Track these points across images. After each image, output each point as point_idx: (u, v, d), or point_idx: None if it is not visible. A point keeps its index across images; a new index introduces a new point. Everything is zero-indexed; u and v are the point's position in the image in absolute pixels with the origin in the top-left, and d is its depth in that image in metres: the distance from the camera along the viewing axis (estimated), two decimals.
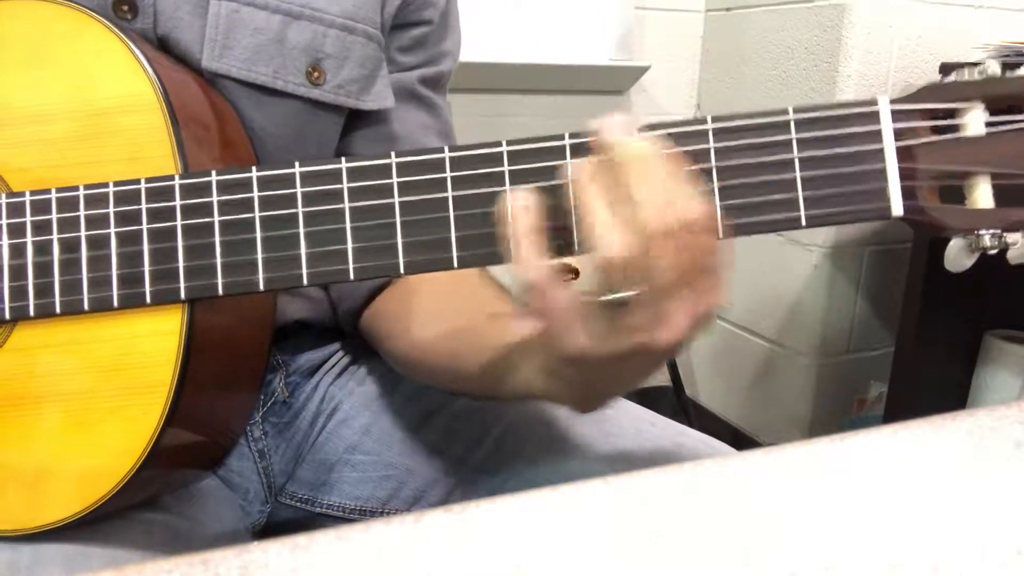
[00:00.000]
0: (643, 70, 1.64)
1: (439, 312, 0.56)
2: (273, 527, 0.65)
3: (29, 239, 0.45)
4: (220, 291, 0.43)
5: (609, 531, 0.28)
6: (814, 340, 1.58)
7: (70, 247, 0.45)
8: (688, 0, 1.73)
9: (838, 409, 1.63)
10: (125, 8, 0.53)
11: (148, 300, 0.44)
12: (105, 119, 0.46)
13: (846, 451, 0.34)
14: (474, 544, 0.27)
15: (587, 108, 1.68)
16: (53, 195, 0.45)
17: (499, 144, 0.41)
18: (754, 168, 0.40)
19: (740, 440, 1.73)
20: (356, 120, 0.63)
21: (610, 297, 0.37)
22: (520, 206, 0.39)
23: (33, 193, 0.45)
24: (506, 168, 0.41)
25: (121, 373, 0.45)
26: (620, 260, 0.37)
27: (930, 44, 1.46)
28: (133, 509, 0.52)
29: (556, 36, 1.55)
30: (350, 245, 0.42)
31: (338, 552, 0.26)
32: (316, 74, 0.58)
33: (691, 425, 0.63)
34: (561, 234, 0.40)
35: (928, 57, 1.47)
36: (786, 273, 1.60)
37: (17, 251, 0.46)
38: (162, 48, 0.54)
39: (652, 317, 0.37)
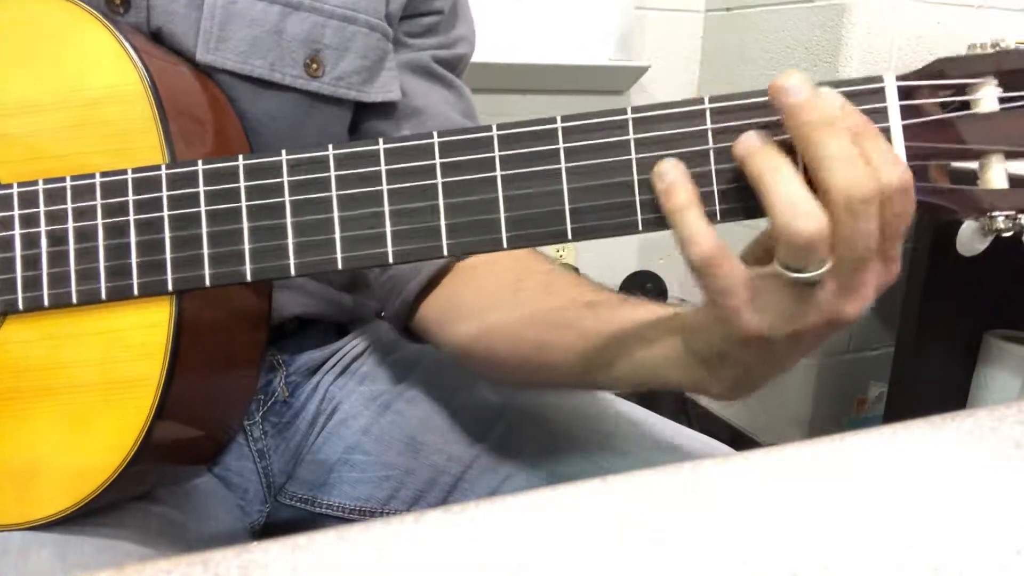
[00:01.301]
0: (643, 70, 1.64)
1: (515, 299, 0.53)
2: (273, 527, 0.65)
3: (17, 232, 0.45)
4: (207, 282, 0.43)
5: (609, 531, 0.28)
6: None
7: (58, 239, 0.45)
8: (688, 0, 1.73)
9: (838, 409, 1.63)
10: (118, 2, 0.52)
11: (136, 292, 0.44)
12: (93, 110, 0.46)
13: (846, 451, 0.34)
14: (474, 544, 0.27)
15: (587, 108, 1.68)
16: (40, 187, 0.45)
17: (488, 128, 0.40)
18: None
19: (740, 440, 1.73)
20: (374, 105, 0.62)
21: (802, 276, 0.35)
22: (675, 178, 0.37)
23: (21, 185, 0.45)
24: (496, 153, 0.40)
25: (110, 366, 0.45)
26: (817, 235, 0.34)
27: (930, 44, 1.46)
28: (128, 501, 0.52)
29: (556, 36, 1.55)
30: (337, 234, 0.41)
31: (338, 552, 0.26)
32: (315, 66, 0.57)
33: (691, 425, 0.63)
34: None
35: (928, 57, 1.44)
36: None
37: (5, 244, 0.45)
38: (156, 42, 0.54)
39: (841, 289, 0.35)
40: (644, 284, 1.66)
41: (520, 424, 0.62)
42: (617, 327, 0.45)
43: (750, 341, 0.37)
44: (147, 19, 0.53)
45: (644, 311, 0.45)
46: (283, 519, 0.66)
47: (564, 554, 0.27)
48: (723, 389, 0.41)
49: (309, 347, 0.68)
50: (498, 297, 0.54)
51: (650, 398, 1.72)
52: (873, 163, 0.34)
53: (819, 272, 0.35)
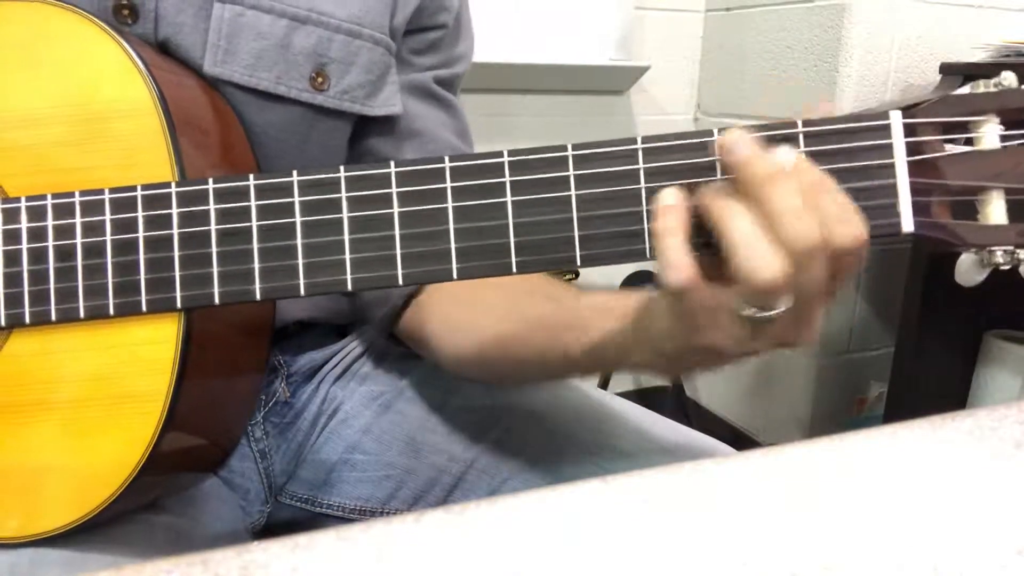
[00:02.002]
0: (643, 70, 1.64)
1: (511, 307, 0.54)
2: (273, 527, 0.65)
3: (24, 246, 0.45)
4: (216, 300, 0.43)
5: (609, 531, 0.28)
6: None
7: (66, 254, 0.44)
8: (688, 0, 1.73)
9: (838, 409, 1.63)
10: (126, 12, 0.52)
11: (144, 308, 0.44)
12: (102, 124, 0.46)
13: (846, 451, 0.34)
14: (474, 544, 0.27)
15: (587, 108, 1.68)
16: (49, 201, 0.45)
17: (499, 154, 0.40)
18: None
19: (740, 440, 1.73)
20: (375, 122, 0.62)
21: (758, 315, 0.37)
22: (667, 204, 0.38)
23: (29, 199, 0.45)
24: (507, 179, 0.40)
25: (118, 381, 0.45)
26: (773, 282, 0.35)
27: (930, 44, 1.46)
28: (133, 511, 0.52)
29: (556, 36, 1.55)
30: (348, 256, 0.41)
31: (338, 552, 0.26)
32: (320, 79, 0.57)
33: (691, 425, 0.63)
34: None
35: (928, 57, 1.47)
36: None
37: (12, 258, 0.45)
38: (163, 52, 0.54)
39: (792, 323, 0.37)
40: (644, 284, 1.66)
41: (520, 424, 0.62)
42: (618, 324, 0.46)
43: (707, 351, 0.40)
44: (154, 30, 0.53)
45: (612, 297, 0.49)
46: (284, 519, 0.66)
47: (564, 554, 0.27)
48: (668, 373, 0.45)
49: (310, 348, 0.68)
50: (493, 306, 0.55)
51: (650, 398, 1.72)
52: (824, 218, 0.35)
53: (777, 312, 0.36)
